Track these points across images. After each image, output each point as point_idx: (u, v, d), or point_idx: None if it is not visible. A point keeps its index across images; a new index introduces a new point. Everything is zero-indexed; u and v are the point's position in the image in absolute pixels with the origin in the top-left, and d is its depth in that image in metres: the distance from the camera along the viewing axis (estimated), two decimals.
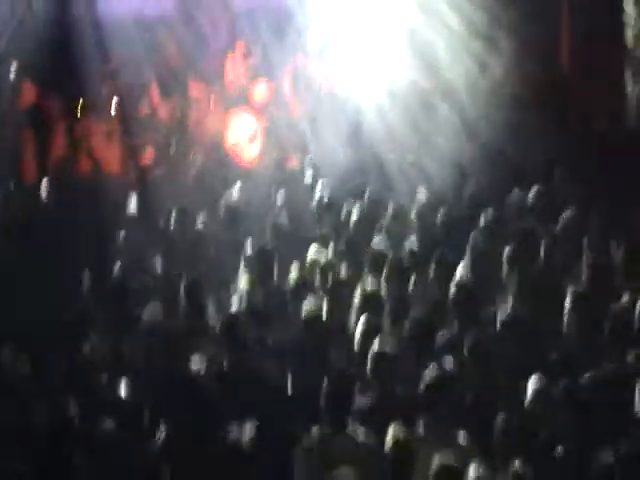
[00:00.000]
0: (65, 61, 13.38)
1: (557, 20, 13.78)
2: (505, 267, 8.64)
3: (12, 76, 13.28)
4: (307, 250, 9.16)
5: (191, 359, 7.26)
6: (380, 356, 6.84)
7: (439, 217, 9.63)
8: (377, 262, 8.63)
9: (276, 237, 9.44)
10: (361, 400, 6.50)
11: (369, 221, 9.70)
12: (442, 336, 7.38)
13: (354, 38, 13.58)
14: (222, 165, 12.52)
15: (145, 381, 7.09)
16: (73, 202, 10.55)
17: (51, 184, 10.83)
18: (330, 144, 12.65)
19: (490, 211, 9.66)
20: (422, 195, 10.51)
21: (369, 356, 6.89)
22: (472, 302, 7.84)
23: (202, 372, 7.08)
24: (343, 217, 9.91)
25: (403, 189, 10.84)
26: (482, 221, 9.50)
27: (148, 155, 13.19)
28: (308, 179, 11.40)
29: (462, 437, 6.27)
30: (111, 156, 12.90)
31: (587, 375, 6.63)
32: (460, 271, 8.63)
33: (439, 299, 8.08)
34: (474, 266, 8.64)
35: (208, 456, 6.20)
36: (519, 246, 8.73)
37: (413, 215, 9.86)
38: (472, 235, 9.18)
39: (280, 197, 10.52)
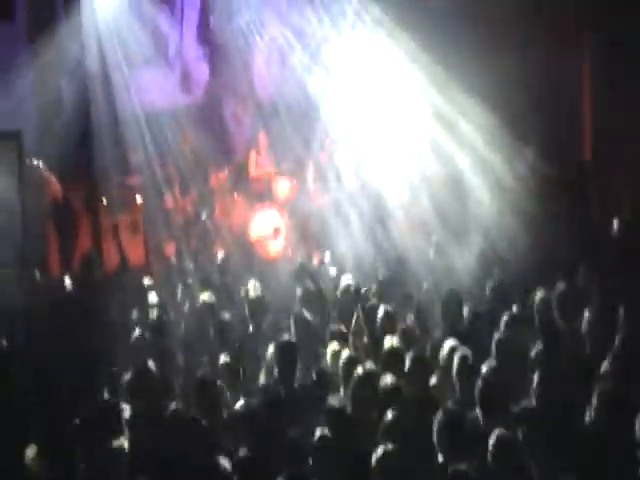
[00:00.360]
0: (90, 156, 13.57)
1: (579, 119, 13.94)
2: (531, 364, 8.56)
3: (38, 171, 13.45)
4: (329, 343, 9.11)
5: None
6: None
7: (464, 312, 9.57)
8: (398, 357, 8.56)
9: (299, 330, 9.39)
10: None
11: (392, 315, 9.64)
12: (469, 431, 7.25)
13: (378, 131, 13.71)
14: (245, 258, 12.51)
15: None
16: (97, 295, 10.57)
17: (76, 277, 10.90)
18: (354, 237, 12.69)
19: (515, 307, 9.60)
20: (446, 291, 10.44)
21: None
22: (498, 398, 7.73)
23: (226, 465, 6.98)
24: (367, 310, 9.85)
25: (428, 283, 10.79)
26: (506, 317, 9.42)
27: (171, 248, 13.30)
28: (332, 272, 11.39)
29: None
30: (136, 249, 13.01)
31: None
32: (485, 367, 8.54)
33: (463, 395, 7.98)
34: (499, 362, 8.56)
35: None
36: (546, 344, 8.65)
37: (438, 310, 9.81)
38: (497, 331, 9.10)
39: (302, 290, 10.48)
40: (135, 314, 10.57)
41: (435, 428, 7.12)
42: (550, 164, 13.31)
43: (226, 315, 9.68)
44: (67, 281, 11.17)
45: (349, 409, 7.81)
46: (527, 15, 13.43)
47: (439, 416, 7.14)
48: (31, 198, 13.51)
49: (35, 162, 13.43)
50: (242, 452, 6.98)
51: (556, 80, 13.77)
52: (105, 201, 13.44)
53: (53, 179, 13.50)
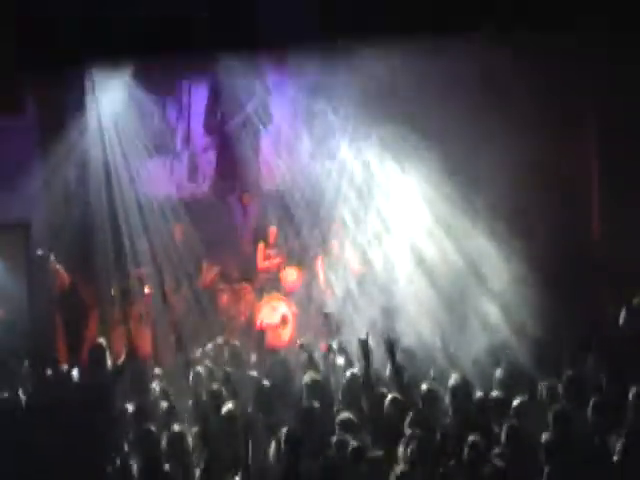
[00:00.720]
0: (98, 247, 13.66)
1: (589, 201, 14.00)
2: (542, 452, 8.54)
3: (46, 262, 13.54)
4: (336, 433, 9.07)
5: None
6: None
7: (472, 400, 9.54)
8: (407, 445, 8.53)
9: (304, 421, 9.36)
10: None
11: (401, 404, 9.60)
12: None
13: (385, 221, 13.78)
14: (253, 348, 12.52)
15: None
16: (104, 387, 10.56)
17: (83, 370, 10.88)
18: (362, 327, 12.66)
19: (524, 395, 9.57)
20: (454, 380, 10.41)
21: None
22: None
23: None
24: (376, 400, 9.82)
25: (436, 372, 10.76)
26: (516, 404, 9.39)
27: (179, 339, 13.29)
28: (339, 362, 11.37)
29: None
30: (144, 340, 13.03)
31: None
32: (494, 455, 8.51)
33: None
34: (509, 450, 8.53)
35: None
36: (556, 432, 8.63)
37: (446, 399, 9.77)
38: (506, 419, 9.07)
39: (309, 379, 10.46)
40: (143, 404, 10.62)
41: None
42: (558, 244, 13.33)
43: (231, 404, 9.67)
44: (75, 373, 11.19)
45: None
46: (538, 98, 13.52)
47: None
48: (39, 289, 13.58)
49: (43, 253, 13.50)
50: None
51: (564, 160, 13.82)
52: (113, 292, 13.48)
53: (61, 270, 13.56)
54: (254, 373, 10.98)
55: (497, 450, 8.66)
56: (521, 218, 13.30)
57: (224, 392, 10.23)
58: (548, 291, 12.55)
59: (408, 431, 8.94)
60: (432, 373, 10.75)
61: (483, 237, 13.11)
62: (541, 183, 13.50)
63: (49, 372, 11.26)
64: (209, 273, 14.40)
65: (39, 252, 13.45)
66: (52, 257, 13.51)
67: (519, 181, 13.17)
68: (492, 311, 12.34)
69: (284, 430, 8.97)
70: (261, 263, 14.59)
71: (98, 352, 10.60)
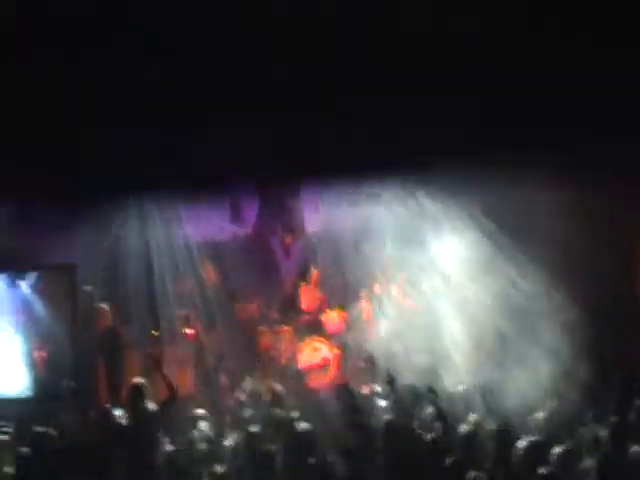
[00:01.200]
0: (141, 288, 13.75)
1: (630, 250, 13.89)
2: None
3: (89, 302, 13.65)
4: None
5: None
6: None
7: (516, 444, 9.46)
8: None
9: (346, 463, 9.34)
10: None
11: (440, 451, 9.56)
12: None
13: (433, 262, 13.74)
14: (293, 390, 12.50)
15: None
16: (147, 426, 10.58)
17: (125, 411, 10.91)
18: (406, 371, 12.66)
19: (564, 444, 9.47)
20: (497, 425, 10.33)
21: None
22: None
23: None
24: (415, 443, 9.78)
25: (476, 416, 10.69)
26: (558, 450, 9.28)
27: (222, 381, 13.37)
28: (381, 405, 11.33)
29: None
30: (185, 381, 13.06)
31: None
32: None
33: None
34: None
35: None
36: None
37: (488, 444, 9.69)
38: (548, 464, 8.97)
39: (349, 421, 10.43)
40: (185, 445, 10.64)
41: None
42: (600, 297, 13.22)
43: (272, 447, 9.65)
44: (117, 413, 11.22)
45: None
46: None
47: None
48: (83, 329, 13.67)
49: (88, 292, 13.63)
50: None
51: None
52: (154, 332, 13.56)
53: (104, 310, 13.66)
54: (294, 415, 10.92)
55: None
56: (568, 261, 13.18)
57: (264, 434, 10.23)
58: (596, 334, 12.45)
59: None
60: (471, 419, 10.66)
61: (531, 283, 13.05)
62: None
63: (91, 412, 11.39)
64: (246, 308, 14.47)
65: (86, 288, 13.57)
66: (96, 296, 13.63)
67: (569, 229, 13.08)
68: (538, 355, 12.26)
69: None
70: (303, 304, 14.60)
71: (138, 392, 10.62)
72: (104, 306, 13.66)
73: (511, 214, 13.23)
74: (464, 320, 13.26)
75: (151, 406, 10.61)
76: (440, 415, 10.35)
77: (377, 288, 14.15)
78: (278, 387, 12.04)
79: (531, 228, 13.24)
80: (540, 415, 10.60)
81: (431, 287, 13.76)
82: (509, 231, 13.26)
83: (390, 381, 10.90)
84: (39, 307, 13.20)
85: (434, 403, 10.65)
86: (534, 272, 13.04)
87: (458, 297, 13.51)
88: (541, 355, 12.20)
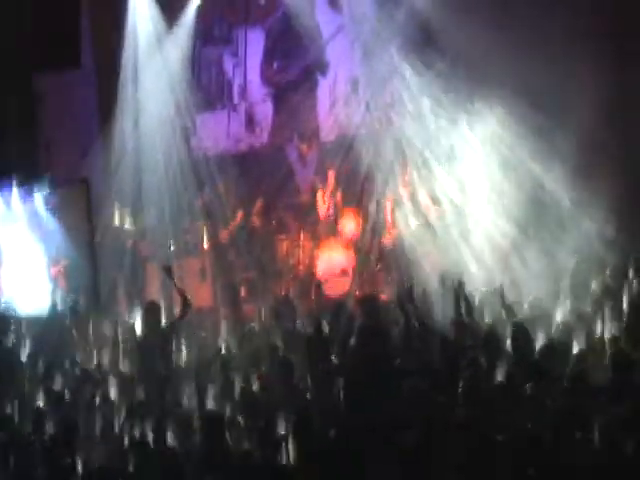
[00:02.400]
0: (159, 202, 13.70)
1: None
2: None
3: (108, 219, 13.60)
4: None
5: None
6: None
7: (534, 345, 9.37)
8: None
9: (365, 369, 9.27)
10: None
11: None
12: None
13: (457, 163, 13.54)
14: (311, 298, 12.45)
15: None
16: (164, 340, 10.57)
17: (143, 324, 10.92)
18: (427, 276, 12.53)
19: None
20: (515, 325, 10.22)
21: None
22: None
23: None
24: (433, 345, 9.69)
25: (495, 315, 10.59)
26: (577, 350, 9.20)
27: (241, 290, 13.36)
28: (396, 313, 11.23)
29: None
30: (204, 293, 13.05)
31: None
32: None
33: None
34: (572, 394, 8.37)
35: None
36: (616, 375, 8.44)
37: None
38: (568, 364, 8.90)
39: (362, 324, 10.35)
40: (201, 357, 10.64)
41: None
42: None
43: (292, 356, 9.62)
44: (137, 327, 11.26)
45: None
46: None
47: None
48: (101, 244, 13.63)
49: (106, 206, 13.59)
50: None
51: None
52: (173, 246, 13.53)
53: (123, 224, 13.64)
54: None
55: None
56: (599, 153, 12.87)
57: (281, 344, 10.20)
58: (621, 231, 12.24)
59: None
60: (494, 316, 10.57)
61: (559, 178, 12.80)
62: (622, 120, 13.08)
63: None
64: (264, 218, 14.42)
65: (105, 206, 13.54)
66: (115, 211, 13.61)
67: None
68: (561, 252, 12.09)
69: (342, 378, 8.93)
70: (320, 211, 14.48)
71: (151, 310, 10.59)
72: (123, 222, 13.63)
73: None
74: (485, 221, 13.06)
75: (165, 322, 10.60)
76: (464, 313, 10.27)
77: (396, 193, 13.96)
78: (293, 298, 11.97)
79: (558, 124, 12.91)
80: (560, 315, 10.48)
81: (455, 188, 13.57)
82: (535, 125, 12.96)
83: (409, 287, 10.78)
84: (54, 222, 13.13)
85: (457, 303, 10.56)
86: (560, 167, 12.79)
87: (481, 196, 13.29)
88: (564, 253, 12.06)
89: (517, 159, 12.99)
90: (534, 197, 12.91)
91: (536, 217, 12.84)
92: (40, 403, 9.76)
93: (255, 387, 9.53)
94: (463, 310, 10.10)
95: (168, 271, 10.86)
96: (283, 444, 8.03)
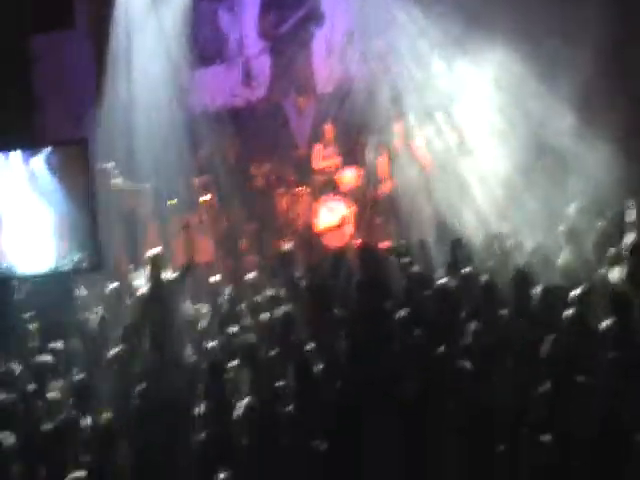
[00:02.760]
0: (156, 158, 13.70)
1: None
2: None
3: (107, 176, 13.59)
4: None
5: None
6: None
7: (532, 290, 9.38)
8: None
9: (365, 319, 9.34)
10: None
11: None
12: None
13: (451, 112, 13.48)
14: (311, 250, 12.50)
15: None
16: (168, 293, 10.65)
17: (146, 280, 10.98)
18: (424, 226, 12.55)
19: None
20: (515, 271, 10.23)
21: None
22: None
23: None
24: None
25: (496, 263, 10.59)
26: (577, 292, 9.19)
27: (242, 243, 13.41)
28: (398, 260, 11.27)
29: None
30: (206, 248, 13.08)
31: None
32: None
33: None
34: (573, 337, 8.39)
35: None
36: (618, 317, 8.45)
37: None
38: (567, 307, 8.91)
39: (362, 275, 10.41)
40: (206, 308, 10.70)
41: None
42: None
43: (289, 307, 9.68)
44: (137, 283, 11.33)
45: None
46: None
47: None
48: (101, 203, 13.63)
49: (104, 166, 13.56)
50: None
51: None
52: (169, 203, 13.55)
53: (122, 183, 13.62)
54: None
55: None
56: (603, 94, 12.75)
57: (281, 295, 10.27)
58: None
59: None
60: (493, 265, 10.58)
61: (561, 120, 12.70)
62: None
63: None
64: (263, 172, 14.42)
65: (102, 166, 13.50)
66: (112, 169, 13.58)
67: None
68: (563, 196, 12.05)
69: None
70: (317, 164, 14.48)
71: (156, 262, 10.66)
72: (121, 181, 13.62)
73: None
74: (485, 167, 13.01)
75: (170, 275, 10.65)
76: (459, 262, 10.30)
77: (393, 143, 13.94)
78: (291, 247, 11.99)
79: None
80: (561, 260, 10.49)
81: (451, 137, 13.52)
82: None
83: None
84: (54, 182, 13.11)
85: (454, 253, 10.60)
86: (562, 109, 12.71)
87: (481, 141, 13.23)
88: (566, 197, 12.02)
89: (518, 102, 12.91)
90: (536, 141, 12.85)
91: (538, 161, 12.80)
92: (45, 360, 9.85)
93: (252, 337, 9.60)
94: (461, 259, 10.15)
95: (186, 227, 10.93)
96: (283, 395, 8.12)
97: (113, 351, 9.55)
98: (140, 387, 8.78)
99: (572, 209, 11.67)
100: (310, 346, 9.03)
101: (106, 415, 8.20)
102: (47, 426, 8.33)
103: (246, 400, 8.12)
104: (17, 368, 9.72)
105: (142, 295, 10.73)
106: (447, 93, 13.52)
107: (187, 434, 8.14)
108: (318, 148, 14.46)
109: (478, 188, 12.95)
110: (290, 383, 8.34)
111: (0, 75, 13.00)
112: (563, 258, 10.45)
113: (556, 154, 12.66)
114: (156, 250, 11.03)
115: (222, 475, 7.22)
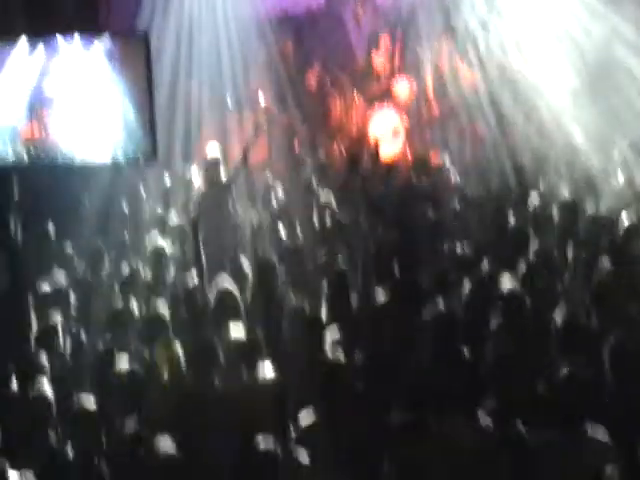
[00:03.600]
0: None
1: None
2: None
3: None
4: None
5: None
6: None
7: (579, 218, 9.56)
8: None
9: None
10: None
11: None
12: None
13: (501, 35, 13.53)
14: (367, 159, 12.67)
15: None
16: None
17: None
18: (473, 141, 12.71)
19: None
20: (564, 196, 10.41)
21: None
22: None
23: None
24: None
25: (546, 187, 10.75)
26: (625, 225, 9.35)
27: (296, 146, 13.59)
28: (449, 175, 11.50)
29: None
30: (260, 148, 13.33)
31: None
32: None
33: None
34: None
35: None
36: None
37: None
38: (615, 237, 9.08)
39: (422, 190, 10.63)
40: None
41: None
42: None
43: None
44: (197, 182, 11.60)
45: None
46: None
47: None
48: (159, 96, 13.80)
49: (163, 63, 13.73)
50: None
51: None
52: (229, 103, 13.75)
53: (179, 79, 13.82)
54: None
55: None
56: None
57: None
58: None
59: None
60: (542, 187, 10.74)
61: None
62: None
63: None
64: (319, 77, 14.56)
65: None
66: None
67: None
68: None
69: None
70: (373, 71, 14.64)
71: (212, 164, 10.92)
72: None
73: None
74: (537, 86, 13.04)
75: (224, 177, 10.90)
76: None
77: (444, 57, 14.09)
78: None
79: None
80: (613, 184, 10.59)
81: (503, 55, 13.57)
82: None
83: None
84: (114, 74, 13.27)
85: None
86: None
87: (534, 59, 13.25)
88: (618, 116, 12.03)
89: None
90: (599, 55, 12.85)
91: (599, 76, 12.80)
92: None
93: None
94: (515, 181, 10.29)
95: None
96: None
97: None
98: None
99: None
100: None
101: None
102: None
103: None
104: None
105: (199, 196, 11.03)
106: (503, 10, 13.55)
107: None
108: (373, 56, 14.62)
109: (529, 107, 13.03)
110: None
111: None
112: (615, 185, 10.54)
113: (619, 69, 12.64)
114: (213, 152, 11.27)
115: None
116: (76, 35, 12.70)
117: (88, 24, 13.44)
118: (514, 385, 6.41)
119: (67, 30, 12.72)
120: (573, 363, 6.15)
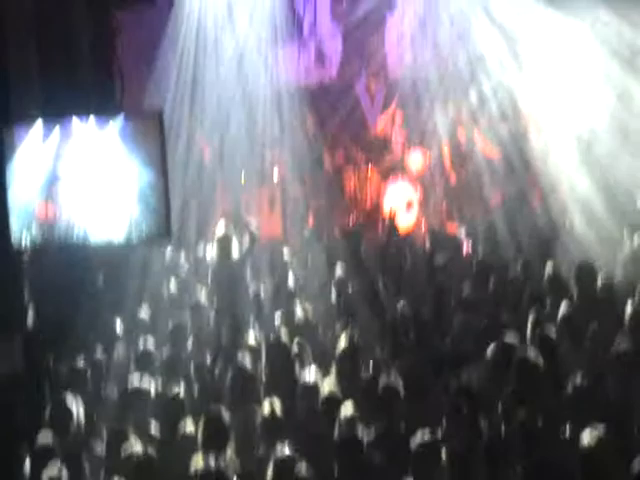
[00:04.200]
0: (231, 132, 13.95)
1: None
2: None
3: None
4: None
5: None
6: None
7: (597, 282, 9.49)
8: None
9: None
10: None
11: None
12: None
13: (511, 106, 13.60)
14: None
15: None
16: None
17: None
18: (489, 211, 12.71)
19: None
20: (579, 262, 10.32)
21: None
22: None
23: None
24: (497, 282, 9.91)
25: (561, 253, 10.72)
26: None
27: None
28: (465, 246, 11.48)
29: None
30: (274, 223, 13.35)
31: None
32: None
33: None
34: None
35: None
36: None
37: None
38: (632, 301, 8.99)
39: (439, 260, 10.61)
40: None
41: None
42: None
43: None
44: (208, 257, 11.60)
45: None
46: None
47: None
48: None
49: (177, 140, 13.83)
50: None
51: None
52: (243, 179, 13.82)
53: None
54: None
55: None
56: None
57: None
58: None
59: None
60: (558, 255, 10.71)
61: None
62: None
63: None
64: (332, 151, 14.64)
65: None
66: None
67: None
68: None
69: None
70: (387, 146, 14.71)
71: (226, 240, 10.94)
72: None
73: None
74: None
75: (235, 254, 10.92)
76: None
77: (459, 130, 14.15)
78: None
79: None
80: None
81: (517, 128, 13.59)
82: None
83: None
84: (128, 152, 13.37)
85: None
86: None
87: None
88: None
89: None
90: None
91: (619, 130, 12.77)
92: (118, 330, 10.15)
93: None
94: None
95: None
96: None
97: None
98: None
99: None
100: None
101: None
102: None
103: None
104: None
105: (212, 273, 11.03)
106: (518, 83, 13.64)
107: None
108: (387, 131, 14.69)
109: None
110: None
111: (82, 48, 13.23)
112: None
113: None
114: (222, 229, 11.30)
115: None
116: (91, 116, 12.88)
117: (103, 104, 13.55)
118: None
119: (83, 111, 12.89)
120: None
